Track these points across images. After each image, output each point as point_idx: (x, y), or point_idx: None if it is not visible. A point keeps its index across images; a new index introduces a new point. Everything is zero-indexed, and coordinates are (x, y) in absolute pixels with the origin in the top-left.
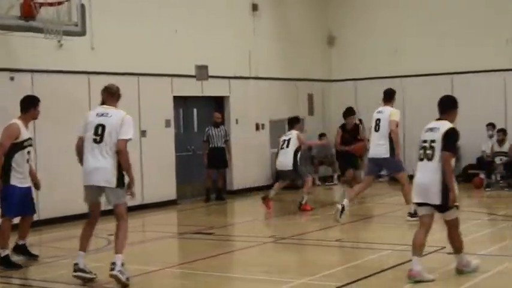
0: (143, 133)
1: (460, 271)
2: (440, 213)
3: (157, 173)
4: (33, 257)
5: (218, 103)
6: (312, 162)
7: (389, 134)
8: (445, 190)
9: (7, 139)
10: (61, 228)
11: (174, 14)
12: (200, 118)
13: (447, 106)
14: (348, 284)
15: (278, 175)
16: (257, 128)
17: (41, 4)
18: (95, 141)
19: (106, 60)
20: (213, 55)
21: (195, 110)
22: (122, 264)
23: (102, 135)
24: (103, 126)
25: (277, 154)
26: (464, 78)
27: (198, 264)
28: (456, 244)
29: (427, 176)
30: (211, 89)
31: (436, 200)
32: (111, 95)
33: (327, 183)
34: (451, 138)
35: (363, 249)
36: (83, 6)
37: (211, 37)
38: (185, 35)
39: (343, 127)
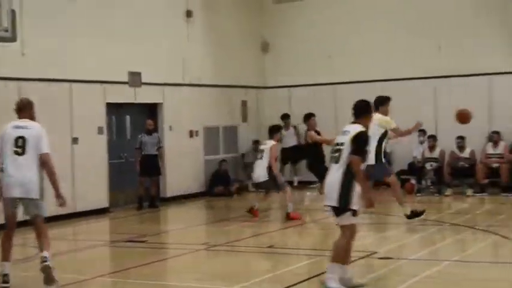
0: (75, 140)
1: (323, 282)
2: (336, 217)
3: (89, 181)
4: None
5: (151, 110)
6: (245, 168)
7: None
8: (344, 193)
9: None
10: None
11: (107, 19)
12: (133, 125)
13: (361, 110)
14: None
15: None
16: (191, 135)
17: None
18: (16, 153)
19: (37, 67)
20: (146, 62)
21: (128, 117)
22: None
23: (23, 148)
24: (23, 139)
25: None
26: (396, 85)
27: (130, 272)
28: (340, 253)
29: (329, 179)
30: (144, 95)
31: (334, 202)
32: (23, 108)
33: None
34: (359, 142)
35: (294, 256)
36: (13, 11)
37: (145, 43)
38: (118, 42)
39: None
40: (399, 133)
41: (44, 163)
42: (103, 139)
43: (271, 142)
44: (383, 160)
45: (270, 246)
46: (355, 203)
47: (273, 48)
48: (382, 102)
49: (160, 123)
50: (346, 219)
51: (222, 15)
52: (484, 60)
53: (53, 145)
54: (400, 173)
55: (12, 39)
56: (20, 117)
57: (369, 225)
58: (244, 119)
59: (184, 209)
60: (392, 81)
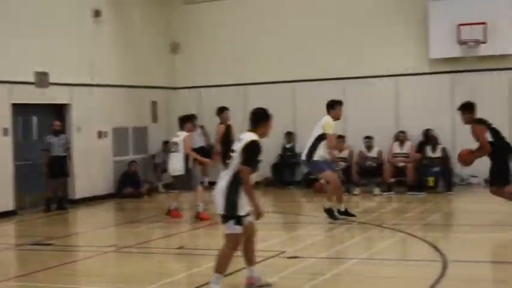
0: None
1: None
2: (222, 224)
3: None
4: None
5: (59, 111)
6: (155, 169)
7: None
8: (230, 201)
9: None
10: None
11: (13, 17)
12: (40, 126)
13: (257, 118)
14: None
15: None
16: (99, 136)
17: None
18: None
19: None
20: (53, 62)
21: (35, 118)
22: None
23: None
24: None
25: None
26: (306, 86)
27: (36, 276)
28: (221, 262)
29: (218, 185)
30: (52, 96)
31: (221, 210)
32: None
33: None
34: (249, 151)
35: (204, 256)
36: None
37: (52, 43)
38: (24, 41)
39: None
40: (329, 142)
41: None
42: (8, 141)
43: (184, 133)
44: (315, 158)
45: (180, 247)
46: (242, 211)
47: (183, 49)
48: (333, 106)
49: (68, 124)
50: (231, 227)
51: (132, 15)
52: (391, 62)
53: None
54: (308, 173)
55: None
56: None
57: (278, 225)
58: (154, 119)
59: (93, 210)
60: (301, 82)
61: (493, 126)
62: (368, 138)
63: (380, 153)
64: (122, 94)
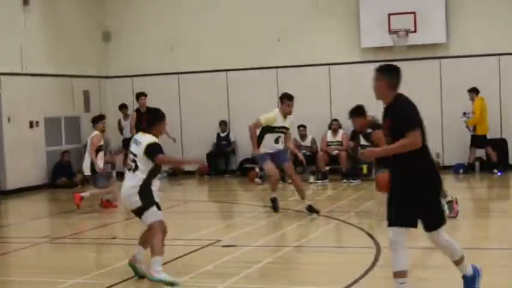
0: None
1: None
2: (140, 217)
3: None
4: None
5: None
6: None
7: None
8: (145, 193)
9: None
10: None
11: None
12: None
13: (151, 121)
14: (121, 281)
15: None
16: (31, 125)
17: None
18: None
19: None
20: None
21: None
22: None
23: None
24: None
25: None
26: (239, 75)
27: None
28: (158, 247)
29: (126, 186)
30: None
31: (137, 204)
32: None
33: None
34: (153, 153)
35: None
36: None
37: None
38: None
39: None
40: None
41: None
42: None
43: (94, 132)
44: (263, 150)
45: (113, 238)
46: (156, 199)
47: (115, 37)
48: (281, 100)
49: None
50: (152, 215)
51: (60, 2)
52: (324, 51)
53: None
54: (243, 162)
55: None
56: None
57: (214, 214)
58: (87, 109)
59: (26, 202)
60: (234, 70)
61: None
62: (302, 127)
63: (314, 141)
64: (54, 83)
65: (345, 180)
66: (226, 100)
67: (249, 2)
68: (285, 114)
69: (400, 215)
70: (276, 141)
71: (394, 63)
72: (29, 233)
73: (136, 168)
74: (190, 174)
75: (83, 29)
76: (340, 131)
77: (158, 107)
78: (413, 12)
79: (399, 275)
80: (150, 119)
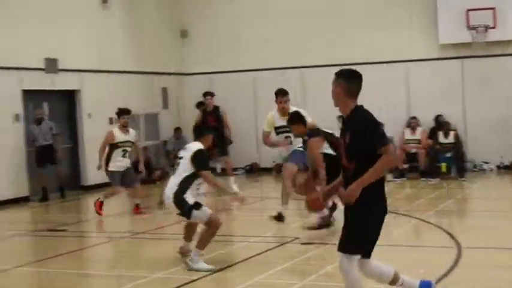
0: None
1: (187, 264)
2: (189, 219)
3: (7, 169)
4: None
5: (69, 97)
6: (167, 156)
7: None
8: (179, 200)
9: None
10: None
11: (23, 5)
12: (52, 112)
13: (198, 133)
14: (203, 276)
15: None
16: (111, 122)
17: None
18: None
19: None
20: (63, 48)
21: (45, 104)
22: None
23: None
24: None
25: None
26: (311, 72)
27: (51, 262)
28: (201, 241)
29: (167, 189)
30: (62, 82)
31: (176, 210)
32: None
33: None
34: (199, 161)
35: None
36: None
37: (62, 29)
38: (33, 27)
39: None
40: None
41: None
42: (19, 127)
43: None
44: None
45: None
46: (191, 201)
47: (193, 35)
48: (275, 97)
49: (78, 110)
50: (199, 216)
51: (140, 0)
52: (401, 48)
53: None
54: None
55: None
56: None
57: (291, 211)
58: (165, 106)
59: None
60: (311, 68)
61: (331, 132)
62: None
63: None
64: (133, 80)
65: (423, 179)
66: (301, 98)
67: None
68: (283, 112)
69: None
70: (289, 141)
71: (472, 59)
72: (110, 228)
73: (175, 171)
74: (267, 171)
75: (162, 26)
76: (419, 129)
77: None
78: (493, 8)
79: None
80: (200, 130)
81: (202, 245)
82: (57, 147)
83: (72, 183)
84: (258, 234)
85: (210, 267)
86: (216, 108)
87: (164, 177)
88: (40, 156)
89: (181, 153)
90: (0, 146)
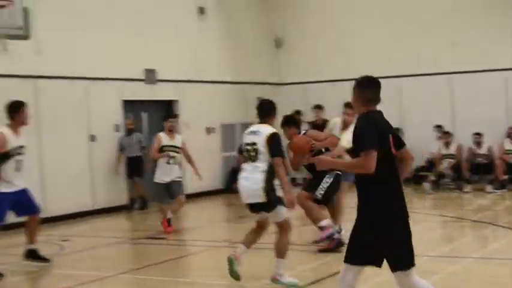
0: (92, 137)
1: (274, 280)
2: (267, 213)
3: (107, 178)
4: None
5: (168, 107)
6: None
7: None
8: (270, 188)
9: None
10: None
11: (122, 17)
12: (150, 122)
13: (267, 111)
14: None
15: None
16: (208, 132)
17: None
18: None
19: (53, 64)
20: (161, 59)
21: (144, 114)
22: None
23: None
24: None
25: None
26: (410, 81)
27: (151, 269)
28: (284, 249)
29: (248, 178)
30: (160, 93)
31: (261, 198)
32: None
33: None
34: (276, 143)
35: (316, 253)
36: (26, 9)
37: (160, 41)
38: (133, 39)
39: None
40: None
41: None
42: (119, 136)
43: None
44: None
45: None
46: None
47: (287, 45)
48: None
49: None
50: (280, 214)
51: (235, 11)
52: (499, 55)
53: (70, 142)
54: (418, 170)
55: (26, 37)
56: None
57: None
58: None
59: (203, 206)
60: (407, 77)
61: None
62: (477, 134)
63: (490, 149)
64: (228, 90)
65: None
66: (399, 107)
67: (425, 7)
68: (345, 124)
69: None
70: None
71: None
72: (208, 237)
73: (256, 158)
74: None
75: (257, 36)
76: None
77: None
78: None
79: None
80: (264, 110)
81: (283, 253)
82: (146, 160)
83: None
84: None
85: (295, 281)
86: (325, 121)
87: None
88: (129, 167)
89: (253, 138)
90: (102, 154)
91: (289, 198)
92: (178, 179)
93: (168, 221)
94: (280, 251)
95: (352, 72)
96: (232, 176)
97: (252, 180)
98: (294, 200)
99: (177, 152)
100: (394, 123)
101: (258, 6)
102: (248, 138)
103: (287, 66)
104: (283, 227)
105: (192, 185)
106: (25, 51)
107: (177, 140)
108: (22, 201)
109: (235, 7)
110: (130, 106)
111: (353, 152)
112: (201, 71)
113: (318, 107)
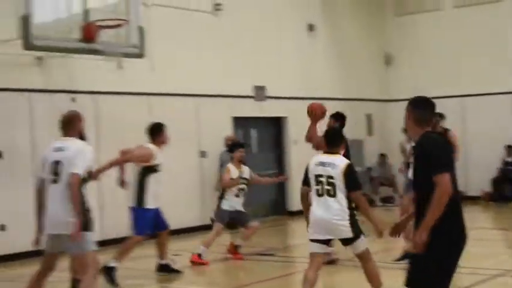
0: (203, 154)
1: None
2: (347, 245)
3: (216, 194)
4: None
5: (276, 124)
6: (371, 182)
7: None
8: (354, 222)
9: (138, 157)
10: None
11: (232, 35)
12: (259, 138)
13: (338, 140)
14: None
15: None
16: (317, 149)
17: (101, 27)
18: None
19: (165, 82)
20: (270, 76)
21: (254, 131)
22: None
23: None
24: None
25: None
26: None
27: (259, 285)
28: (375, 279)
29: (329, 212)
30: (269, 109)
31: (345, 234)
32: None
33: (386, 204)
34: (353, 176)
35: None
36: (141, 28)
37: (269, 58)
38: (243, 56)
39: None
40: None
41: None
42: (220, 152)
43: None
44: None
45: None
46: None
47: (396, 61)
48: None
49: (285, 137)
50: (363, 243)
51: (344, 28)
52: None
53: (181, 158)
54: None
55: (141, 55)
56: (63, 135)
57: (500, 242)
58: (370, 132)
59: None
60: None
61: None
62: None
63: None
64: (337, 107)
65: None
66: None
67: None
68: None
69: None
70: None
71: None
72: None
73: (335, 192)
74: (474, 199)
75: (366, 53)
76: None
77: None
78: None
79: None
80: (336, 138)
81: (378, 279)
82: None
83: (278, 209)
84: (465, 265)
85: None
86: (446, 130)
87: (369, 204)
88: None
89: (326, 170)
90: (212, 170)
91: (380, 229)
92: (243, 210)
93: (236, 247)
94: (375, 279)
95: (461, 89)
96: None
97: (332, 215)
98: (384, 229)
99: (246, 184)
100: (508, 140)
101: (368, 22)
102: (322, 170)
103: (396, 83)
104: (366, 256)
105: (298, 201)
106: (139, 69)
107: (245, 171)
108: (158, 217)
109: (344, 24)
110: (240, 123)
111: (418, 176)
112: (310, 87)
113: (440, 116)
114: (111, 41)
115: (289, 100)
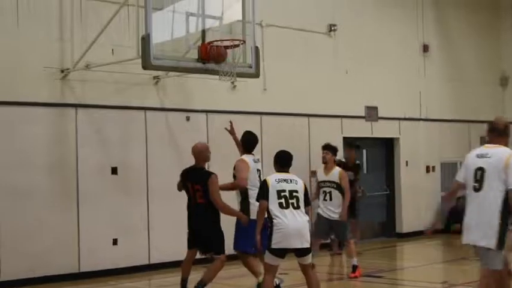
0: (313, 173)
1: None
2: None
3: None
4: None
5: (388, 144)
6: None
7: None
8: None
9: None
10: None
11: (344, 55)
12: (370, 159)
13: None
14: None
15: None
16: (427, 170)
17: (218, 47)
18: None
19: (277, 101)
20: (382, 96)
21: (364, 151)
22: None
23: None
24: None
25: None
26: None
27: None
28: None
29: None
30: (380, 130)
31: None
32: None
33: None
34: None
35: None
36: (257, 48)
37: (381, 78)
38: (355, 76)
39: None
40: None
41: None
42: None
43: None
44: None
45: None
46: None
47: None
48: None
49: (396, 158)
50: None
51: (459, 48)
52: None
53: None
54: None
55: (256, 75)
56: (489, 142)
57: None
58: None
59: (421, 245)
60: None
61: None
62: None
63: None
64: (450, 128)
65: None
66: None
67: None
68: None
69: None
70: None
71: None
72: (425, 278)
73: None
74: None
75: (480, 74)
76: None
77: None
78: None
79: None
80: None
81: None
82: (359, 201)
83: (388, 230)
84: None
85: None
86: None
87: None
88: None
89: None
90: None
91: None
92: (339, 219)
93: (354, 267)
94: None
95: None
96: (452, 216)
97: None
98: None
99: (334, 188)
100: None
101: (485, 43)
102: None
103: (511, 105)
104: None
105: (409, 223)
106: (252, 88)
107: (333, 175)
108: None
109: (459, 44)
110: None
111: None
112: (423, 108)
113: None
114: (227, 61)
115: (401, 121)
